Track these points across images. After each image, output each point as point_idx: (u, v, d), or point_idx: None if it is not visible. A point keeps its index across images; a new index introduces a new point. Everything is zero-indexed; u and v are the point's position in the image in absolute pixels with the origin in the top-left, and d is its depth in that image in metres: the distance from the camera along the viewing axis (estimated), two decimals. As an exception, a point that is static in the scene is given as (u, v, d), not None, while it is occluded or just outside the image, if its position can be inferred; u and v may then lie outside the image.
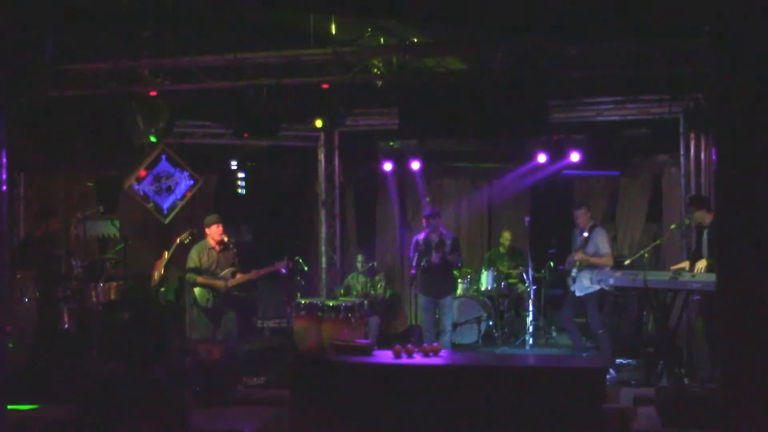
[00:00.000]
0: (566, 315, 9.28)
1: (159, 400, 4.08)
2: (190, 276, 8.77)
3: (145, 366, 4.08)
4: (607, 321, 9.10)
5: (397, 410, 6.52)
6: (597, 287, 8.83)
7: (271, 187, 12.75)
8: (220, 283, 8.69)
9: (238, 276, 8.82)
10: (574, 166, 10.89)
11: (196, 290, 8.75)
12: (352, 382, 6.75)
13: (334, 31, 8.23)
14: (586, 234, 9.05)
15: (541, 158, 10.75)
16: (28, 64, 8.25)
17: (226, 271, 8.77)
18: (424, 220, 9.57)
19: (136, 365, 4.19)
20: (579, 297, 9.04)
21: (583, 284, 8.97)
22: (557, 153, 10.64)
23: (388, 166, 11.35)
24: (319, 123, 10.14)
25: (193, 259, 8.78)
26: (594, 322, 9.02)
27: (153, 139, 9.77)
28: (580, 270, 9.01)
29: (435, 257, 9.20)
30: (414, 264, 9.32)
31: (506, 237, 11.89)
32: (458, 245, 9.62)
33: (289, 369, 7.17)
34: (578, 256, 8.98)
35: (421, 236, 9.46)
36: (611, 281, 8.52)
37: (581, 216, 9.17)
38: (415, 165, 11.27)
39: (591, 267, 8.91)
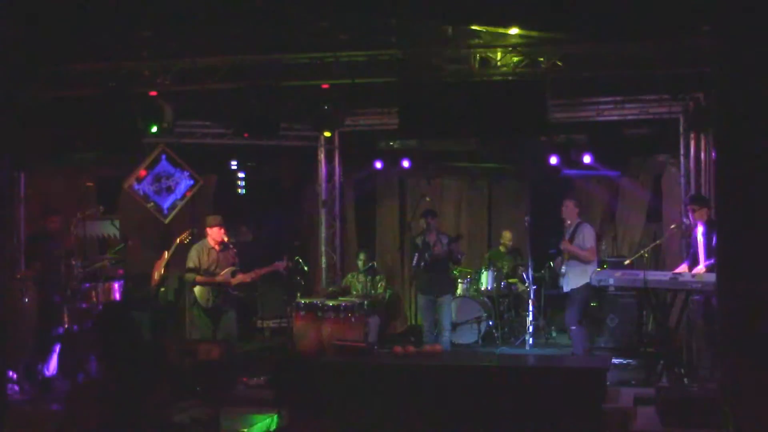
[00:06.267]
0: (568, 316, 9.28)
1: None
2: (189, 276, 8.78)
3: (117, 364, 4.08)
4: (581, 318, 9.14)
5: (397, 410, 6.52)
6: (583, 282, 8.83)
7: (271, 187, 12.75)
8: (220, 278, 8.68)
9: (239, 276, 8.82)
10: (574, 165, 10.93)
11: (196, 290, 8.75)
12: (352, 382, 6.76)
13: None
14: (572, 227, 9.09)
15: (553, 161, 10.79)
16: (28, 64, 8.29)
17: (226, 271, 8.77)
18: (422, 221, 9.59)
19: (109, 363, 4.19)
20: (566, 292, 9.07)
21: (570, 280, 8.99)
22: (567, 153, 10.71)
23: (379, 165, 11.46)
24: (327, 133, 10.23)
25: (192, 258, 8.78)
26: (569, 317, 9.03)
27: (153, 130, 9.72)
28: (567, 265, 9.04)
29: (438, 250, 9.20)
30: (414, 263, 9.33)
31: (506, 237, 11.90)
32: (455, 243, 9.64)
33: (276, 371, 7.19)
34: (564, 245, 9.01)
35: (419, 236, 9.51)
36: (611, 281, 8.53)
37: (569, 207, 9.19)
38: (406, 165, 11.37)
39: (575, 260, 8.94)
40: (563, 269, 9.08)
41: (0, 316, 6.60)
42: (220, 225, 8.80)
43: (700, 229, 8.29)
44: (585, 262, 8.87)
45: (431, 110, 8.54)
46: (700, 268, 8.05)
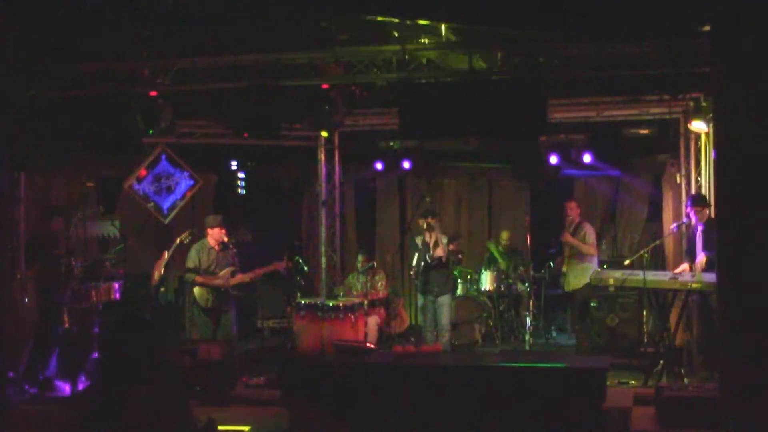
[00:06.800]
0: (570, 316, 9.32)
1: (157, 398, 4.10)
2: (188, 276, 8.79)
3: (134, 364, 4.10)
4: (583, 318, 9.16)
5: (397, 410, 6.53)
6: (584, 282, 8.87)
7: (271, 187, 12.75)
8: (218, 281, 8.69)
9: (239, 276, 8.83)
10: (574, 165, 10.95)
11: (196, 290, 8.76)
12: (352, 382, 6.76)
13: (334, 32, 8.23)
14: (572, 226, 9.15)
15: (553, 160, 10.80)
16: (28, 64, 8.28)
17: (225, 271, 8.78)
18: (422, 221, 9.60)
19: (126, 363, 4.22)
20: (568, 293, 9.12)
21: (571, 280, 9.02)
22: (567, 153, 10.73)
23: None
24: (324, 133, 10.24)
25: (192, 258, 8.79)
26: (571, 316, 9.07)
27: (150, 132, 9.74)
28: (568, 265, 9.08)
29: (438, 251, 9.20)
30: (414, 263, 9.33)
31: (504, 237, 11.90)
32: (453, 240, 9.65)
33: (280, 370, 7.19)
34: (566, 237, 9.05)
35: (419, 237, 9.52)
36: (611, 281, 8.54)
37: (573, 208, 9.30)
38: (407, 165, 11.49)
39: (576, 260, 8.97)
40: (564, 269, 9.13)
41: (0, 316, 6.60)
42: (220, 225, 8.81)
43: (699, 228, 8.31)
44: (586, 254, 8.94)
45: (431, 110, 8.53)
46: (701, 259, 8.07)
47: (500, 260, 11.60)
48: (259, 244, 11.83)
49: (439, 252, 9.24)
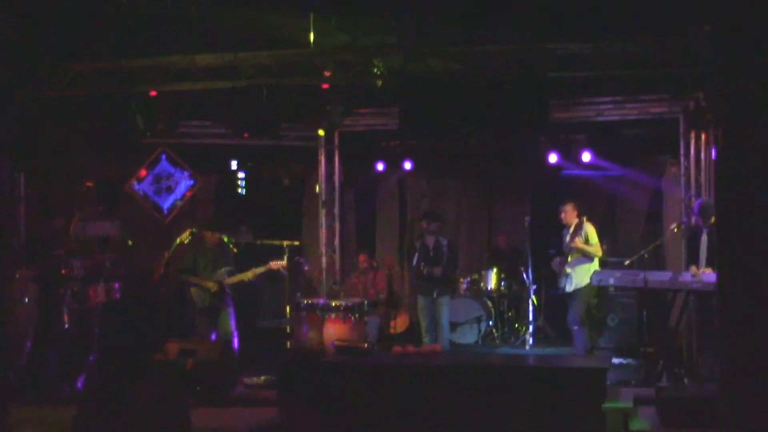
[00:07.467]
0: (571, 316, 9.29)
1: (159, 400, 4.10)
2: (181, 275, 8.83)
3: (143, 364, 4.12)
4: (584, 318, 9.15)
5: (397, 410, 6.52)
6: (585, 283, 8.85)
7: (271, 187, 12.74)
8: (209, 284, 8.71)
9: (236, 276, 8.85)
10: (575, 165, 10.94)
11: (193, 290, 8.79)
12: (352, 382, 6.75)
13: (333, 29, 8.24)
14: (572, 228, 9.12)
15: (552, 158, 10.79)
16: (28, 64, 8.29)
17: (223, 271, 8.78)
18: (423, 223, 9.59)
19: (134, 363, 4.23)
20: (569, 293, 9.09)
21: (574, 280, 9.00)
22: (567, 153, 10.72)
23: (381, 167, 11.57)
24: (321, 132, 10.24)
25: (188, 258, 8.82)
26: (572, 317, 9.04)
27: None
28: (569, 265, 9.06)
29: (437, 271, 9.22)
30: (414, 265, 9.33)
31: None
32: (454, 249, 9.62)
33: (281, 369, 7.20)
34: (574, 243, 9.02)
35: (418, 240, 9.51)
36: (611, 281, 8.53)
37: (568, 211, 9.24)
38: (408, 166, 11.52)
39: (578, 260, 8.96)
40: (567, 269, 9.09)
41: (0, 316, 6.60)
42: (217, 231, 8.90)
43: (704, 231, 8.31)
44: (594, 255, 8.93)
45: (431, 110, 8.53)
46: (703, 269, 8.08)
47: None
48: (259, 244, 11.82)
49: (437, 272, 9.23)
